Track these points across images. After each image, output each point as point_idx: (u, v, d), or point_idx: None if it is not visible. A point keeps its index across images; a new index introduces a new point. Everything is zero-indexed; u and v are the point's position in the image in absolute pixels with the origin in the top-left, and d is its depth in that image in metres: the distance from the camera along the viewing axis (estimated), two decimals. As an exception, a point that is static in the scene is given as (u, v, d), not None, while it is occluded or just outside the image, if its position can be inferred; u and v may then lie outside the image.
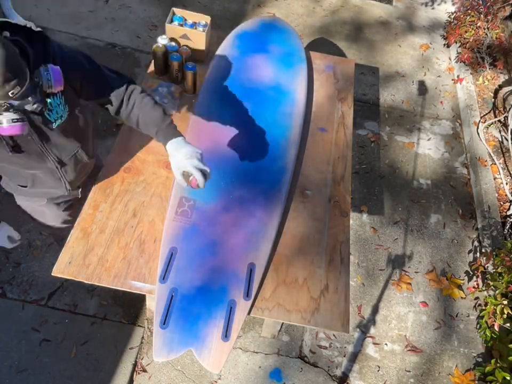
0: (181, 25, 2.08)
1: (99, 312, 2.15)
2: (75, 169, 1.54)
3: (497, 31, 3.62)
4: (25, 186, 1.52)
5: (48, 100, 1.24)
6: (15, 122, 1.13)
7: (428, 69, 3.84)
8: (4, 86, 1.03)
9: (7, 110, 1.11)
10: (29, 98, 1.13)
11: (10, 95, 1.07)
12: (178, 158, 1.35)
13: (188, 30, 2.06)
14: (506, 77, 3.75)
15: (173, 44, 1.99)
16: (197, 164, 1.34)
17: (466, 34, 3.74)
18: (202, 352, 1.35)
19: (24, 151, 1.31)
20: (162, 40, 1.96)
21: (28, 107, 1.15)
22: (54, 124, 1.32)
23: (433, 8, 4.51)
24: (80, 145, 1.50)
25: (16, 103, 1.11)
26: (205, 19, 2.12)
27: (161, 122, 1.41)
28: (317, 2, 4.23)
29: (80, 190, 1.69)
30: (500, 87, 3.70)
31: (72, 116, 1.38)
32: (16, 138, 1.26)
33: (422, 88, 3.68)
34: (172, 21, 2.09)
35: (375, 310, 2.41)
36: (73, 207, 1.81)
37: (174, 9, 2.13)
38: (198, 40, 2.07)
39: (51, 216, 1.78)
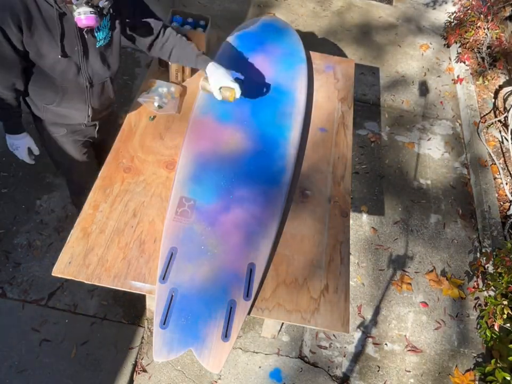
0: (181, 25, 2.08)
1: (99, 312, 2.16)
2: (100, 96, 1.69)
3: (497, 31, 3.62)
4: (52, 104, 1.62)
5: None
6: (90, 14, 1.33)
7: (428, 69, 3.85)
8: None
9: (87, 3, 1.31)
10: None
11: None
12: (217, 76, 1.67)
13: (188, 30, 2.06)
14: (506, 77, 3.75)
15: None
16: (232, 79, 1.69)
17: (466, 34, 3.74)
18: (202, 352, 1.35)
19: (69, 56, 1.47)
20: None
21: (101, 3, 1.36)
22: (98, 43, 1.51)
23: (433, 8, 4.51)
24: (110, 76, 1.67)
25: None
26: (204, 19, 2.12)
27: (198, 51, 1.73)
28: (317, 2, 4.23)
29: (96, 129, 1.85)
30: (500, 87, 3.70)
31: (110, 44, 1.58)
32: (65, 38, 1.43)
33: (422, 88, 3.68)
34: (171, 21, 2.09)
35: (375, 310, 2.41)
36: (90, 149, 1.95)
37: (174, 9, 2.13)
38: (198, 40, 2.07)
39: (68, 150, 1.85)
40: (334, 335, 2.28)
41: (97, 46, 1.52)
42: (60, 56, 1.45)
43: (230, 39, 2.18)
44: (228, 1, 4.01)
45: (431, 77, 3.79)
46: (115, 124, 2.01)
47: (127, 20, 1.61)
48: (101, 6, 1.36)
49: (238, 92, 1.69)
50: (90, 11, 1.32)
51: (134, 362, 2.03)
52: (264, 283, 1.53)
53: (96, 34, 1.49)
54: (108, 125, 1.92)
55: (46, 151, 1.89)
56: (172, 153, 1.81)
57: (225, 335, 1.38)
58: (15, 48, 1.40)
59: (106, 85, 1.68)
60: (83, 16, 1.32)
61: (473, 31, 3.69)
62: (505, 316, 2.22)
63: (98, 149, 2.04)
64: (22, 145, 1.70)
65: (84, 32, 1.45)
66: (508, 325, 2.23)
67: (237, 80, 1.72)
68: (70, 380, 1.95)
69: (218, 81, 1.67)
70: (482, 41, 3.67)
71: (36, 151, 1.77)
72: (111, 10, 1.46)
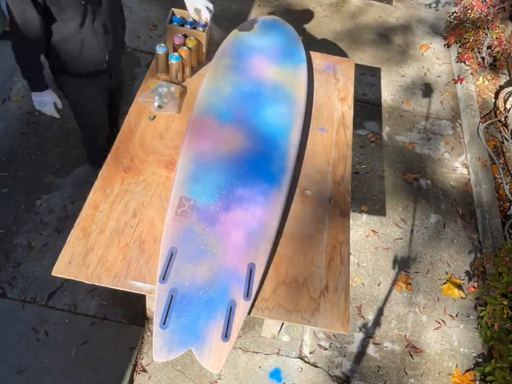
0: (181, 25, 2.08)
1: (99, 312, 2.15)
2: (114, 41, 1.84)
3: (497, 31, 3.62)
4: (73, 55, 1.74)
5: None
6: None
7: (428, 69, 3.84)
8: None
9: None
10: None
11: None
12: None
13: (188, 30, 2.06)
14: (507, 77, 3.75)
15: (175, 54, 1.98)
16: (204, 2, 1.87)
17: (466, 34, 3.74)
18: (202, 352, 1.35)
19: (83, 5, 1.61)
20: (160, 49, 1.96)
21: None
22: None
23: (433, 8, 4.51)
24: (118, 19, 1.85)
25: None
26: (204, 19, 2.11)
27: None
28: (317, 2, 4.23)
29: (113, 76, 2.01)
30: (500, 87, 3.70)
31: None
32: None
33: (422, 88, 3.68)
34: (171, 21, 2.09)
35: (375, 310, 2.41)
36: (105, 97, 2.10)
37: (174, 9, 2.13)
38: (198, 40, 2.07)
39: (87, 97, 1.99)
40: (334, 335, 2.28)
41: None
42: (83, 2, 1.59)
43: (230, 39, 2.18)
44: (228, 1, 4.01)
45: (431, 77, 3.79)
46: (124, 75, 2.27)
47: None
48: None
49: (207, 15, 1.89)
50: None
51: (134, 362, 2.02)
52: (264, 283, 1.53)
53: None
54: (119, 76, 2.12)
55: (68, 103, 2.03)
56: (172, 153, 1.81)
57: (225, 335, 1.38)
58: (37, 4, 1.52)
59: (119, 28, 1.88)
60: None
61: (473, 31, 3.68)
62: (505, 316, 2.22)
63: (112, 97, 2.22)
64: (49, 101, 1.81)
65: None
66: (508, 325, 2.23)
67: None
68: (70, 380, 1.95)
69: (190, 2, 1.88)
70: (482, 41, 3.67)
71: (60, 104, 1.88)
72: None
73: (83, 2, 1.61)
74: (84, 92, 1.95)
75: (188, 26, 2.09)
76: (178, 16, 2.11)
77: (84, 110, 2.07)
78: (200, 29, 2.07)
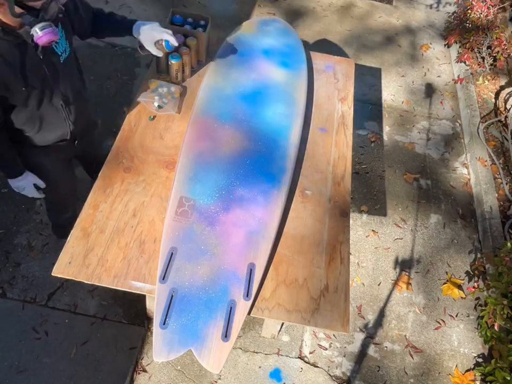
0: (181, 25, 2.08)
1: (99, 312, 2.15)
2: (77, 109, 1.66)
3: (497, 31, 3.62)
4: (32, 132, 1.59)
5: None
6: (47, 28, 1.26)
7: (428, 69, 3.84)
8: None
9: (41, 19, 1.26)
10: (52, 4, 1.29)
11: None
12: (146, 32, 1.63)
13: (188, 30, 2.06)
14: (507, 77, 3.75)
15: (175, 54, 1.95)
16: (162, 30, 1.63)
17: (466, 34, 3.74)
18: (202, 352, 1.35)
19: (35, 88, 1.43)
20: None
21: (49, 14, 1.29)
22: (61, 57, 1.47)
23: (433, 8, 4.51)
24: (80, 88, 1.68)
25: (46, 5, 1.26)
26: (204, 19, 2.12)
27: (121, 17, 1.70)
28: (317, 2, 4.23)
29: (76, 142, 1.80)
30: (500, 87, 3.70)
31: (71, 55, 1.55)
32: (27, 69, 1.37)
33: (422, 88, 3.68)
34: (171, 21, 2.09)
35: (375, 310, 2.41)
36: (71, 166, 1.96)
37: (174, 9, 2.13)
38: (198, 40, 2.07)
39: (52, 171, 1.81)
40: (334, 335, 2.28)
41: (61, 62, 1.48)
42: (23, 88, 1.39)
43: (230, 39, 2.18)
44: (228, 1, 4.01)
45: (431, 77, 3.79)
46: (94, 131, 2.01)
47: (73, 22, 1.54)
48: (50, 17, 1.30)
49: (173, 40, 1.64)
50: (44, 25, 1.26)
51: (134, 362, 2.02)
52: (264, 283, 1.53)
53: (55, 48, 1.43)
54: (87, 136, 1.90)
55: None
56: (172, 153, 1.81)
57: (225, 335, 1.38)
58: None
59: (82, 92, 1.69)
60: (40, 33, 1.25)
61: (473, 31, 3.68)
62: (505, 316, 2.22)
63: (84, 161, 2.10)
64: (28, 184, 1.70)
65: (45, 51, 1.39)
66: (508, 325, 2.23)
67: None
68: (70, 380, 1.95)
69: (148, 39, 1.64)
70: (482, 41, 3.67)
71: (42, 184, 1.76)
72: (60, 17, 1.41)
73: (23, 88, 1.40)
74: (43, 161, 1.76)
75: (188, 26, 2.09)
76: (178, 16, 2.11)
77: (46, 179, 1.84)
78: (200, 29, 2.07)
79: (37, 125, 1.56)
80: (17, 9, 1.22)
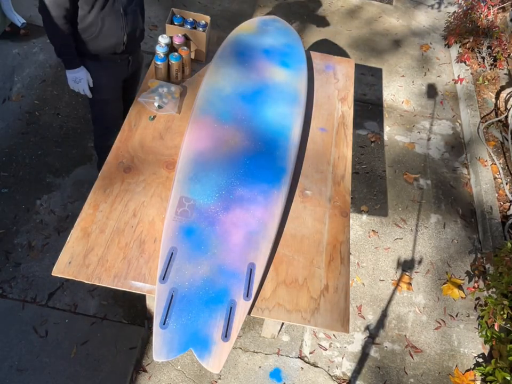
0: (181, 25, 2.08)
1: (99, 312, 2.16)
2: (133, 24, 1.89)
3: (497, 31, 3.62)
4: (92, 35, 1.82)
5: None
6: None
7: (428, 69, 3.84)
8: None
9: None
10: None
11: None
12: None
13: (188, 30, 2.06)
14: (507, 77, 3.75)
15: (176, 54, 1.97)
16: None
17: (467, 34, 3.74)
18: (202, 352, 1.35)
19: None
20: (161, 49, 1.95)
21: None
22: None
23: (433, 8, 4.51)
24: (138, 3, 1.91)
25: None
26: (204, 19, 2.12)
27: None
28: (317, 2, 4.23)
29: (130, 64, 2.05)
30: (500, 87, 3.70)
31: None
32: None
33: (422, 88, 3.68)
34: (171, 21, 2.09)
35: (375, 310, 2.41)
36: (120, 88, 2.14)
37: (174, 9, 2.13)
38: (198, 40, 2.07)
39: (108, 83, 2.04)
40: (334, 335, 2.28)
41: None
42: None
43: (230, 39, 2.18)
44: (228, 1, 4.01)
45: (431, 77, 3.79)
46: (142, 62, 2.24)
47: None
48: None
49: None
50: None
51: (134, 362, 2.03)
52: (264, 283, 1.53)
53: None
54: (137, 62, 2.15)
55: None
56: (172, 153, 1.81)
57: (225, 335, 1.38)
58: None
59: (137, 13, 1.90)
60: None
61: (473, 31, 3.69)
62: (505, 316, 2.22)
63: (129, 84, 2.24)
64: (84, 77, 1.91)
65: None
66: (508, 325, 2.23)
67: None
68: (70, 380, 1.95)
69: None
70: (482, 41, 3.67)
71: (91, 82, 1.97)
72: None
73: None
74: (102, 75, 1.98)
75: (188, 26, 2.09)
76: (178, 16, 2.11)
77: (100, 97, 2.08)
78: (200, 29, 2.07)
79: (98, 28, 1.80)
80: None
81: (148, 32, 3.52)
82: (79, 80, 1.91)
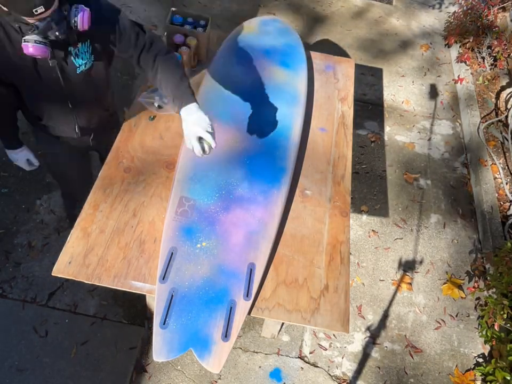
0: (181, 25, 2.08)
1: (99, 312, 2.16)
2: (87, 115, 1.69)
3: (497, 31, 3.62)
4: (41, 120, 1.65)
5: (79, 44, 1.42)
6: (38, 43, 1.27)
7: (428, 69, 3.85)
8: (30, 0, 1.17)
9: (33, 31, 1.26)
10: (53, 25, 1.27)
11: (34, 13, 1.19)
12: (190, 124, 1.42)
13: (188, 30, 2.06)
14: (507, 77, 3.75)
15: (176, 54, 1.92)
16: (207, 127, 1.41)
17: (467, 34, 3.74)
18: (202, 352, 1.35)
19: (43, 80, 1.46)
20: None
21: (51, 33, 1.28)
22: (78, 69, 1.48)
23: (433, 8, 4.51)
24: (97, 96, 1.67)
25: (41, 25, 1.25)
26: (204, 19, 2.12)
27: (176, 89, 1.48)
28: (317, 2, 4.23)
29: (91, 138, 1.82)
30: (500, 87, 3.70)
31: (95, 67, 1.53)
32: (39, 63, 1.41)
33: (422, 88, 3.68)
34: (171, 21, 2.09)
35: (375, 310, 2.41)
36: (84, 160, 1.99)
37: (174, 9, 2.13)
38: (198, 40, 2.07)
39: (62, 161, 1.89)
40: (334, 335, 2.28)
41: (77, 72, 1.49)
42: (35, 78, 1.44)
43: (230, 39, 2.18)
44: (228, 1, 4.01)
45: (431, 77, 3.79)
46: (116, 127, 1.92)
47: (111, 43, 1.50)
48: (52, 38, 1.29)
49: (210, 141, 1.42)
50: (38, 41, 1.27)
51: (134, 362, 2.03)
52: (264, 283, 1.53)
53: (74, 60, 1.45)
54: (106, 132, 1.88)
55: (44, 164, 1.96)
56: (172, 153, 1.81)
57: (225, 335, 1.38)
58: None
59: (94, 104, 1.68)
60: (30, 44, 1.26)
61: (473, 31, 3.69)
62: (505, 316, 2.22)
63: (100, 156, 2.04)
64: (21, 158, 1.78)
65: (49, 60, 1.39)
66: (508, 325, 2.23)
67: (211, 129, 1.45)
68: (70, 380, 1.95)
69: (194, 129, 1.42)
70: (482, 41, 3.67)
71: (36, 162, 1.83)
72: (87, 41, 1.43)
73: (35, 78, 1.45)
74: (58, 157, 1.85)
75: (188, 26, 2.09)
76: (178, 16, 2.11)
77: (58, 175, 2.00)
78: (200, 29, 2.07)
79: (45, 115, 1.63)
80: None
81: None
82: (16, 160, 1.77)
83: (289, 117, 1.92)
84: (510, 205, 2.92)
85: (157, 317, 1.38)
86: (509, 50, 3.53)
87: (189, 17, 2.12)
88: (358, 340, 2.29)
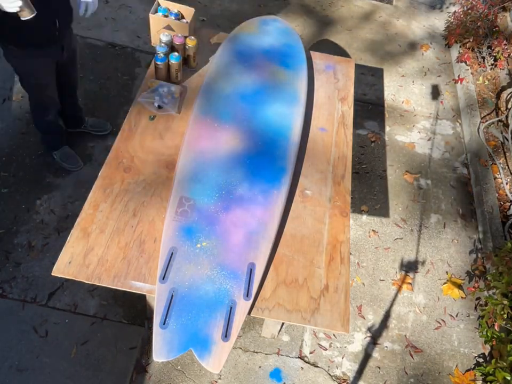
0: (166, 16, 2.08)
1: (99, 312, 2.16)
2: (64, 10, 1.92)
3: (497, 31, 3.62)
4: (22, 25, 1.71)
5: None
6: None
7: (428, 69, 3.84)
8: None
9: None
10: None
11: None
12: None
13: (171, 21, 2.06)
14: (507, 77, 3.75)
15: (175, 54, 1.96)
16: None
17: (467, 34, 3.74)
18: (202, 352, 1.35)
19: None
20: (161, 49, 1.95)
21: None
22: None
23: (433, 8, 4.51)
24: None
25: None
26: (188, 11, 2.12)
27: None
28: (317, 2, 4.23)
29: (64, 48, 2.05)
30: (500, 87, 3.70)
31: None
32: None
33: (423, 88, 3.68)
34: (156, 12, 2.09)
35: (375, 310, 2.41)
36: (54, 72, 2.13)
37: (159, 0, 2.12)
38: (182, 32, 2.07)
39: (39, 70, 2.02)
40: (334, 335, 2.28)
41: None
42: None
43: (230, 39, 2.18)
44: (228, 1, 4.01)
45: (431, 77, 3.78)
46: (75, 47, 2.23)
47: None
48: None
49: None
50: None
51: (134, 362, 2.03)
52: (264, 283, 1.53)
53: None
54: (70, 47, 2.15)
55: (17, 75, 2.09)
56: (172, 153, 1.81)
57: (225, 335, 1.38)
58: None
59: None
60: None
61: (473, 31, 3.68)
62: (505, 316, 2.22)
63: (66, 71, 2.26)
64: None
65: None
66: (508, 325, 2.23)
67: None
68: (70, 380, 1.95)
69: None
70: (482, 41, 3.67)
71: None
72: None
73: None
74: (33, 64, 1.97)
75: (172, 17, 2.09)
76: (163, 6, 2.11)
77: (32, 82, 2.09)
78: (184, 20, 2.07)
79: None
80: None
81: (148, 33, 3.52)
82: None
83: (289, 117, 1.92)
84: (510, 205, 2.91)
85: (157, 317, 1.38)
86: (509, 50, 3.53)
87: (174, 9, 2.13)
88: (358, 340, 2.29)
